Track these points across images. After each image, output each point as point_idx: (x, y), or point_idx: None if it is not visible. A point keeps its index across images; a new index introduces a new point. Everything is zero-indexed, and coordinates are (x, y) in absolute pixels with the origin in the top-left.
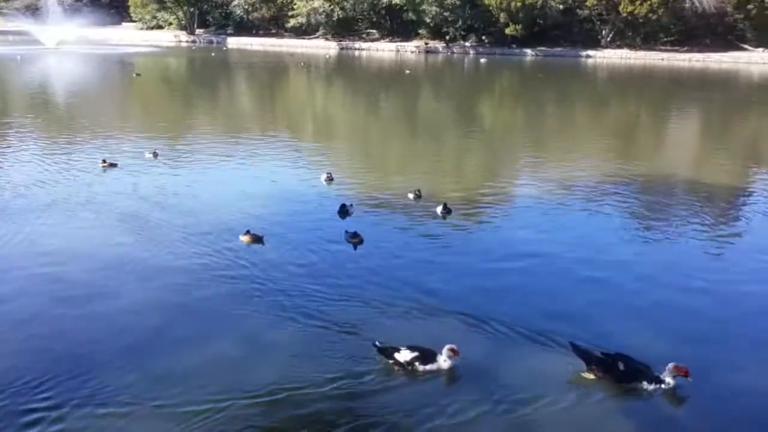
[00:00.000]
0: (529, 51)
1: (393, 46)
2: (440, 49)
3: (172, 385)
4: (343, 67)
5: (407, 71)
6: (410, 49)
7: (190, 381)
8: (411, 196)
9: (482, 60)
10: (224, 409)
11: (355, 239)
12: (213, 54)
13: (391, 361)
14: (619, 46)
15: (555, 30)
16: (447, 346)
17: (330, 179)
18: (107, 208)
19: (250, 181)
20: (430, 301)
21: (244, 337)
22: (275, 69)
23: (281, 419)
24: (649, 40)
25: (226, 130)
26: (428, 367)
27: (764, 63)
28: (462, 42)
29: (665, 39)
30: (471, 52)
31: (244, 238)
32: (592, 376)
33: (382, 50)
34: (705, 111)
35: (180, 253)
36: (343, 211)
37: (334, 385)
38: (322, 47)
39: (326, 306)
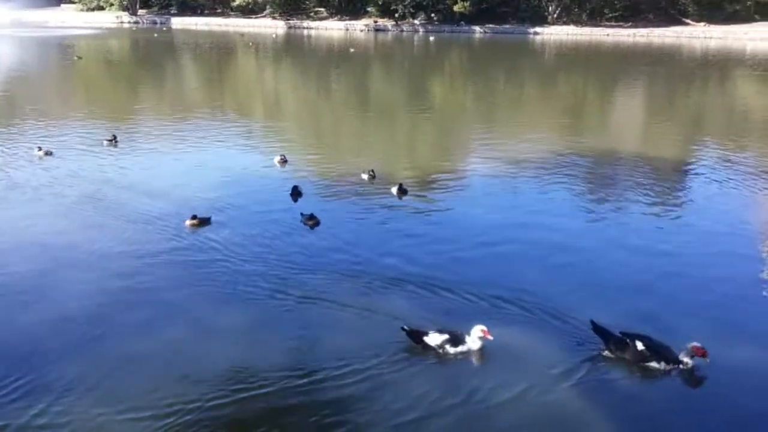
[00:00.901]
0: (477, 28)
1: (342, 24)
2: (389, 28)
3: (129, 372)
4: (292, 47)
5: (351, 49)
6: (359, 28)
7: (146, 367)
8: (365, 176)
9: (431, 38)
10: (180, 396)
11: (311, 221)
12: (156, 35)
13: (420, 345)
14: (565, 23)
15: (502, 7)
16: (477, 327)
17: (284, 161)
18: (50, 197)
19: (201, 164)
20: (390, 280)
21: (196, 321)
22: (222, 49)
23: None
24: (594, 16)
25: (174, 113)
26: (458, 349)
27: (706, 37)
28: (411, 20)
29: (610, 15)
30: (420, 30)
31: (190, 223)
32: (611, 355)
33: (330, 29)
34: (650, 85)
35: (128, 239)
36: (296, 193)
37: (287, 371)
38: (269, 27)
39: (282, 288)
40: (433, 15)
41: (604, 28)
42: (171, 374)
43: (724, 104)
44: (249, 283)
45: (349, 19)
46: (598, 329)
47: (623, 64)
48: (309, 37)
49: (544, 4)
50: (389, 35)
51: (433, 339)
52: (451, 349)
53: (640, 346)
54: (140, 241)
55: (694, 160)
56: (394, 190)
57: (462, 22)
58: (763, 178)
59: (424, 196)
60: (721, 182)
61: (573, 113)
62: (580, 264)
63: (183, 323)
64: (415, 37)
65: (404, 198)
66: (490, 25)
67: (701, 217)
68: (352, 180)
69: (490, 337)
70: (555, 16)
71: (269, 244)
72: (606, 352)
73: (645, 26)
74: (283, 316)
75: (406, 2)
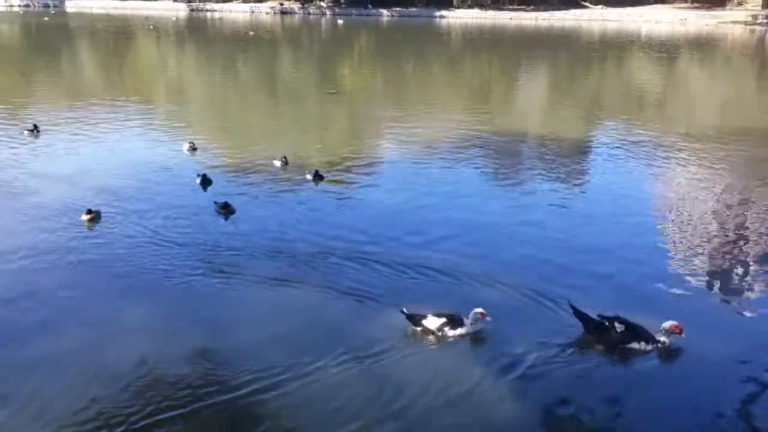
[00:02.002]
0: (384, 11)
1: (247, 7)
2: (296, 10)
3: (39, 377)
4: (194, 30)
5: (251, 33)
6: (265, 11)
7: (44, 368)
8: (277, 163)
9: (339, 21)
10: (95, 398)
11: (225, 210)
12: (47, 18)
13: (419, 328)
14: (470, 6)
15: None
16: (475, 310)
17: (193, 149)
18: None
19: (106, 154)
20: (312, 265)
21: (103, 319)
22: (121, 33)
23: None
24: (498, 0)
25: (74, 102)
26: (457, 331)
27: (603, 20)
28: (318, 2)
29: None
30: (327, 12)
31: (86, 217)
32: (591, 338)
33: (235, 12)
34: (552, 67)
35: (23, 235)
36: (205, 181)
37: (201, 363)
38: (170, 9)
39: (196, 280)
40: None
41: (508, 12)
42: (83, 376)
43: (622, 84)
44: (159, 275)
45: (254, 2)
46: (577, 313)
47: (526, 46)
48: (212, 19)
49: None
50: (296, 18)
51: (432, 322)
52: (449, 332)
53: (619, 328)
54: (37, 237)
55: (595, 137)
56: (310, 176)
57: (370, 5)
58: (657, 153)
59: (339, 181)
60: (619, 157)
61: (480, 95)
62: (493, 240)
63: (89, 322)
64: (323, 20)
65: (320, 184)
66: (398, 9)
67: (601, 192)
68: (265, 167)
69: (489, 319)
70: None
71: (182, 235)
72: (587, 336)
73: (546, 10)
74: (196, 307)
75: None
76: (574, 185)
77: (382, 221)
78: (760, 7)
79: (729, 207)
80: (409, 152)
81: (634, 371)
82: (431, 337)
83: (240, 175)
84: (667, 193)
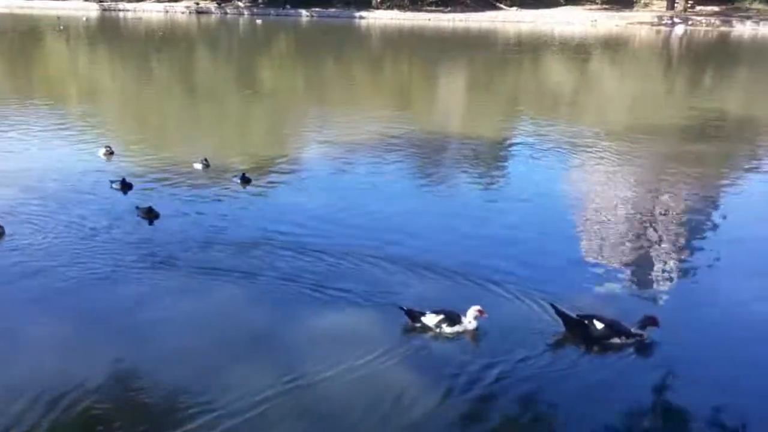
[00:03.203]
0: (304, 12)
1: (161, 7)
2: (213, 10)
3: None
4: (107, 31)
5: (160, 33)
6: (180, 10)
7: None
8: (198, 166)
9: (258, 21)
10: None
11: (149, 214)
12: None
13: (417, 324)
14: (389, 7)
15: None
16: (473, 307)
17: (110, 153)
18: None
19: (14, 161)
20: (244, 268)
21: (7, 332)
22: (28, 35)
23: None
24: (416, 1)
25: None
26: (455, 328)
27: (518, 21)
28: (236, 2)
29: (431, 0)
30: (245, 12)
31: None
32: (572, 336)
33: (149, 12)
34: (470, 68)
35: None
36: (124, 186)
37: (116, 376)
38: (80, 9)
39: (119, 287)
40: None
41: (426, 13)
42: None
43: (537, 84)
44: (75, 284)
45: (169, 2)
46: (558, 312)
47: (445, 47)
48: (125, 19)
49: None
50: (213, 18)
51: (430, 319)
52: (447, 329)
53: (599, 325)
54: None
55: (513, 135)
56: (237, 179)
57: (288, 6)
58: (572, 150)
59: (266, 184)
60: (537, 154)
61: (402, 95)
62: (418, 240)
63: None
64: (241, 20)
65: (247, 187)
66: (317, 9)
67: (521, 188)
68: (186, 170)
69: (486, 315)
70: (379, 0)
71: (103, 243)
72: (567, 333)
73: (463, 11)
74: (118, 317)
75: None
76: (494, 182)
77: (313, 221)
78: (665, 9)
79: (641, 200)
80: (334, 152)
81: (616, 363)
82: (428, 334)
83: (161, 179)
84: (583, 187)
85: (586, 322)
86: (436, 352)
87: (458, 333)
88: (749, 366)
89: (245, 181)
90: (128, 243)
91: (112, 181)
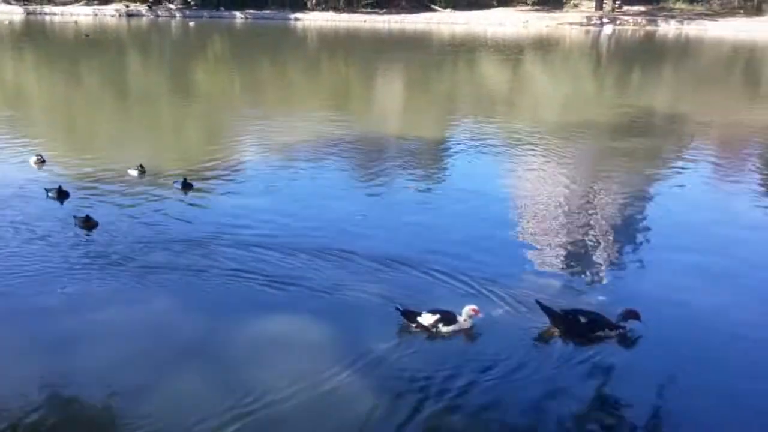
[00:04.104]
0: (238, 13)
1: (89, 9)
2: (143, 13)
3: None
4: (32, 34)
5: (86, 35)
6: (109, 13)
7: None
8: (134, 172)
9: (191, 23)
10: None
11: (87, 223)
12: None
13: (414, 325)
14: (324, 9)
15: None
16: (468, 306)
17: (41, 161)
18: None
19: None
20: (187, 275)
21: None
22: None
23: None
24: (351, 3)
25: None
26: (451, 328)
27: (452, 23)
28: (167, 4)
29: (366, 2)
30: (177, 15)
31: None
32: (557, 331)
33: (77, 14)
34: (407, 69)
35: None
36: (61, 194)
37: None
38: (3, 13)
39: (56, 300)
40: (190, 0)
41: (361, 15)
42: None
43: (473, 84)
44: (9, 293)
45: (98, 4)
46: (544, 308)
47: (382, 49)
48: (52, 23)
49: None
50: (144, 20)
51: (426, 319)
52: (443, 328)
53: (583, 319)
54: None
55: (451, 135)
56: (177, 185)
57: (221, 7)
58: (509, 148)
59: (207, 188)
60: (475, 154)
61: (339, 97)
62: (363, 237)
63: None
64: (173, 23)
65: (189, 193)
66: (251, 11)
67: (460, 187)
68: (121, 177)
69: (481, 315)
70: (314, 2)
71: (40, 255)
72: (552, 328)
73: (398, 13)
74: (46, 327)
75: None
76: (434, 182)
77: (259, 224)
78: (593, 10)
79: (577, 196)
80: (274, 154)
81: (601, 356)
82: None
83: (96, 187)
84: (520, 183)
85: (571, 316)
86: (412, 354)
87: (454, 332)
88: (682, 350)
89: (186, 186)
90: (65, 252)
91: (47, 190)
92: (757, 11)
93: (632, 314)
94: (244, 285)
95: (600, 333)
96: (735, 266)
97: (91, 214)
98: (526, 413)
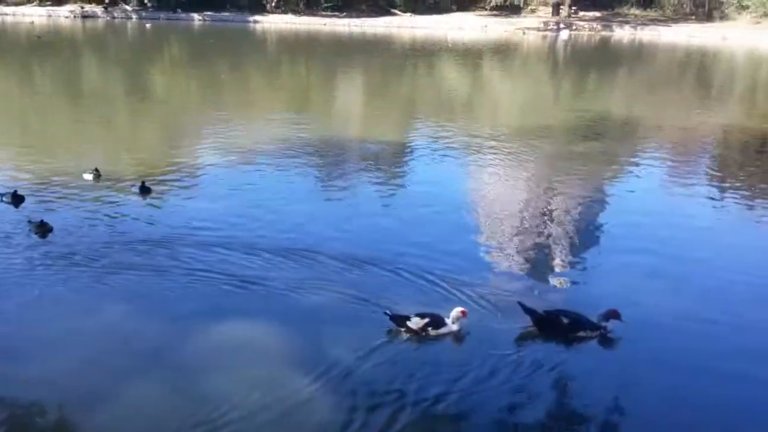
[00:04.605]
0: (196, 15)
1: (43, 10)
2: (99, 14)
3: None
4: None
5: (38, 36)
6: (64, 14)
7: None
8: (89, 176)
9: (148, 25)
10: None
11: (42, 229)
12: None
13: (403, 329)
14: (284, 12)
15: None
16: (456, 309)
17: None
18: None
19: None
20: (147, 280)
21: None
22: None
23: None
24: (311, 6)
25: None
26: (440, 331)
27: (413, 27)
28: (123, 5)
29: (326, 5)
30: (133, 16)
31: None
32: (539, 331)
33: (29, 15)
34: (368, 72)
35: None
36: (16, 198)
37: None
38: None
39: (6, 301)
40: (146, 1)
41: (321, 18)
42: None
43: (434, 88)
44: None
45: (52, 5)
46: (526, 309)
47: (342, 52)
48: (4, 23)
49: None
50: (99, 22)
51: (416, 323)
52: (432, 332)
53: (565, 320)
54: None
55: (413, 139)
56: (136, 189)
57: (178, 9)
58: (470, 152)
59: (166, 193)
60: (436, 157)
61: (301, 100)
62: (322, 244)
63: None
64: (129, 24)
65: (148, 197)
66: (209, 13)
67: (421, 191)
68: (76, 181)
69: (466, 319)
70: (273, 4)
71: None
72: (534, 329)
73: (359, 16)
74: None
75: None
76: (396, 184)
77: (219, 229)
78: (550, 15)
79: (536, 199)
80: (233, 157)
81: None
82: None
83: (51, 192)
84: (481, 188)
85: (553, 317)
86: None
87: (444, 335)
88: (639, 351)
89: (145, 191)
90: (20, 257)
91: (1, 195)
92: (708, 18)
93: (613, 314)
94: (205, 288)
95: (582, 333)
96: (689, 267)
97: (45, 219)
98: (493, 422)
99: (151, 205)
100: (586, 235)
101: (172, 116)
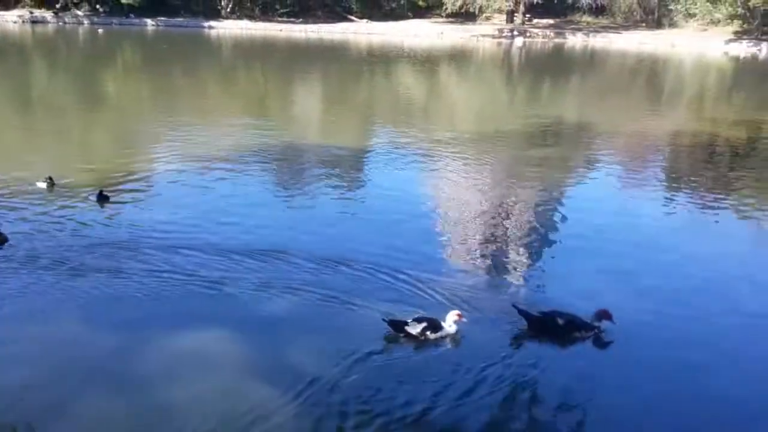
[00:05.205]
0: (149, 21)
1: None
2: (49, 19)
3: None
4: None
5: None
6: (11, 20)
7: None
8: (42, 184)
9: (100, 30)
10: None
11: None
12: None
13: (402, 335)
14: (239, 17)
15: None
16: (452, 312)
17: None
18: None
19: None
20: (113, 282)
21: None
22: None
23: None
24: (267, 12)
25: None
26: (438, 334)
27: (369, 33)
28: (74, 11)
29: (282, 11)
30: (85, 21)
31: None
32: (534, 333)
33: None
34: (325, 79)
35: None
36: None
37: None
38: None
39: None
40: (98, 6)
41: (277, 24)
42: None
43: (391, 94)
44: None
45: None
46: (521, 312)
47: (299, 58)
48: None
49: None
50: (50, 27)
51: (414, 327)
52: (431, 335)
53: (560, 321)
54: None
55: (371, 144)
56: (93, 197)
57: (131, 15)
58: (428, 157)
59: (124, 200)
60: (394, 163)
61: (258, 106)
62: (282, 249)
63: None
64: (80, 30)
65: (105, 205)
66: (163, 18)
67: (380, 196)
68: (29, 190)
69: (465, 320)
70: (228, 10)
71: None
72: (529, 330)
73: (315, 22)
74: None
75: None
76: (355, 191)
77: (178, 236)
78: (505, 22)
79: (494, 204)
80: (191, 164)
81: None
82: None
83: (3, 201)
84: (439, 193)
85: (549, 318)
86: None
87: (442, 338)
88: (598, 351)
89: (103, 199)
90: None
91: None
92: (658, 25)
93: (605, 315)
94: (167, 295)
95: (577, 334)
96: (644, 266)
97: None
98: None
99: (109, 212)
100: (544, 237)
101: (126, 123)
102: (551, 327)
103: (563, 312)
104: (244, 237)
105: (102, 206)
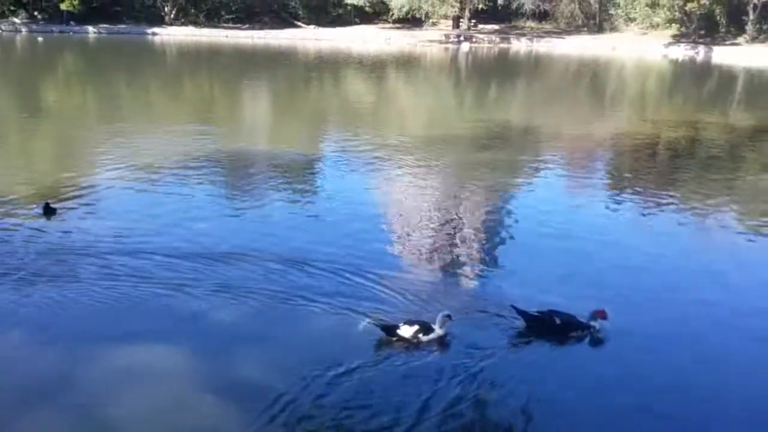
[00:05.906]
0: (90, 28)
1: None
2: None
3: None
4: None
5: None
6: None
7: None
8: None
9: (39, 38)
10: None
11: None
12: None
13: (394, 338)
14: (183, 23)
15: (115, 6)
16: (442, 313)
17: None
18: None
19: None
20: (61, 295)
21: None
22: None
23: None
24: (212, 17)
25: None
26: (430, 336)
27: (317, 39)
28: (12, 18)
29: (227, 17)
30: (23, 29)
31: None
32: (531, 332)
33: None
34: (274, 85)
35: None
36: None
37: None
38: None
39: None
40: (36, 14)
41: (223, 30)
42: None
43: (340, 99)
44: None
45: None
46: (519, 311)
47: (245, 65)
48: None
49: (159, 4)
50: None
51: (406, 331)
52: (423, 338)
53: (558, 321)
54: None
55: (321, 150)
56: (39, 209)
57: (72, 22)
58: (378, 162)
59: (72, 212)
60: (345, 168)
61: (204, 113)
62: (234, 252)
63: None
64: (18, 38)
65: (52, 218)
66: (104, 25)
67: (330, 201)
68: None
69: (452, 320)
70: (172, 16)
71: None
72: (526, 329)
73: (261, 28)
74: None
75: None
76: (304, 198)
77: (127, 246)
78: (451, 28)
79: (444, 207)
80: (137, 174)
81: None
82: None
83: None
84: (390, 198)
85: (547, 318)
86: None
87: (433, 340)
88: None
89: (49, 212)
90: None
91: None
92: (599, 29)
93: (600, 314)
94: (112, 305)
95: (574, 333)
96: (593, 265)
97: None
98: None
99: (55, 224)
100: (494, 240)
101: (68, 132)
102: (549, 326)
103: (560, 311)
104: (194, 243)
105: (49, 219)
